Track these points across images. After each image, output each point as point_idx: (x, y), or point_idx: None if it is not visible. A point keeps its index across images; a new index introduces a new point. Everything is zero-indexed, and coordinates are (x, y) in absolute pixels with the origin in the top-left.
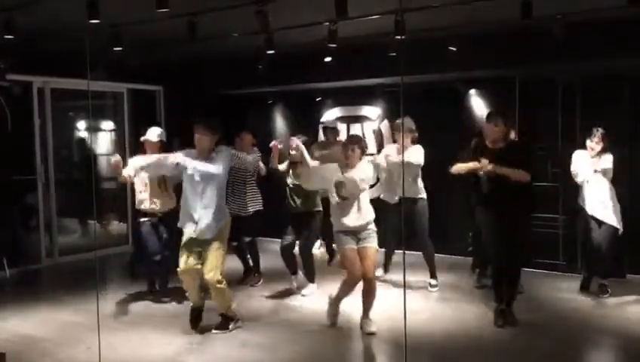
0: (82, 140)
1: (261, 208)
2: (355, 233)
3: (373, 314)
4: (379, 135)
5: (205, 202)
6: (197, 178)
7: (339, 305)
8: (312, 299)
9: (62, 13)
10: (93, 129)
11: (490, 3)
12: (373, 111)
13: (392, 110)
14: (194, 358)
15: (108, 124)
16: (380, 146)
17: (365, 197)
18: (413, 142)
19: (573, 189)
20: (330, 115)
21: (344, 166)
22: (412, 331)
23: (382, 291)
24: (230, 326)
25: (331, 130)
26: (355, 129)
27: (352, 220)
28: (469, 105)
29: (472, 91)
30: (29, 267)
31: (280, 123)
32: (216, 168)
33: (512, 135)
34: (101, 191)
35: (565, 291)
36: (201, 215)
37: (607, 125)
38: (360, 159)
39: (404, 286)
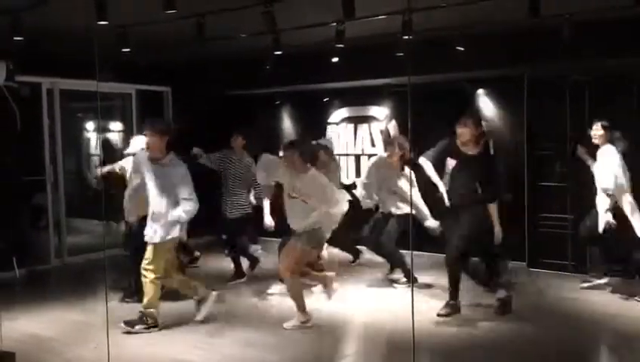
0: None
1: (247, 212)
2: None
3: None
4: (386, 135)
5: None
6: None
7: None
8: (320, 300)
9: (70, 14)
10: (102, 130)
11: (497, 2)
12: (380, 112)
13: (400, 110)
14: (199, 357)
15: (116, 125)
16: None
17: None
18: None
19: (581, 188)
20: (338, 115)
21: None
22: (417, 330)
23: (387, 291)
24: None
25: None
26: (363, 129)
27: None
28: (477, 105)
29: (480, 91)
30: (38, 267)
31: (287, 123)
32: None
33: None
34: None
35: (573, 291)
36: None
37: (616, 124)
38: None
39: (412, 286)
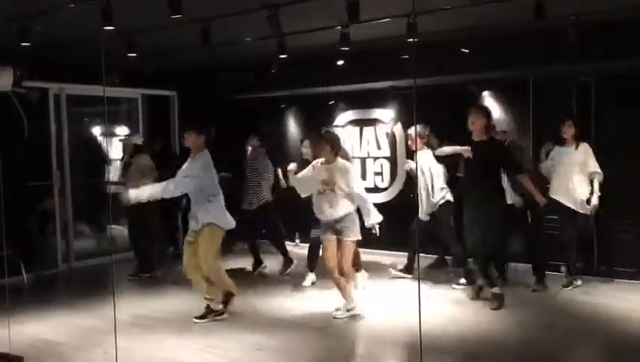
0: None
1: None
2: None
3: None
4: (392, 138)
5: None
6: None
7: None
8: (329, 302)
9: (77, 20)
10: (108, 134)
11: (502, 4)
12: (385, 114)
13: (405, 113)
14: (208, 361)
15: (122, 130)
16: (393, 149)
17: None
18: (427, 145)
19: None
20: (343, 118)
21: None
22: (427, 334)
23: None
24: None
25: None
26: (368, 132)
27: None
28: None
29: (486, 93)
30: (46, 272)
31: (293, 127)
32: (161, 189)
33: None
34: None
35: (580, 294)
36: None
37: (621, 126)
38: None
39: (419, 288)
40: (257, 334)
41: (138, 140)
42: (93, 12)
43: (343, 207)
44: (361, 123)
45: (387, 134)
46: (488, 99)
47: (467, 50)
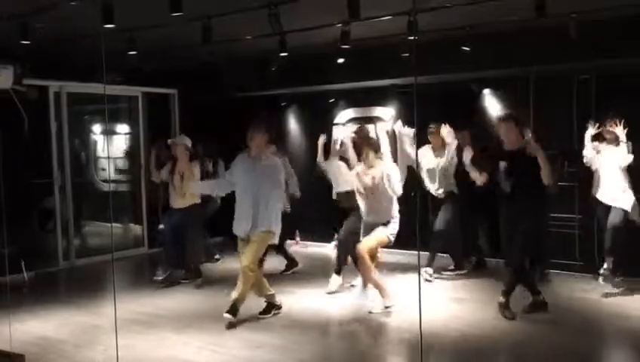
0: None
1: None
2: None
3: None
4: (392, 136)
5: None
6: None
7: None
8: (328, 300)
9: (77, 18)
10: (109, 132)
11: (503, 2)
12: (386, 112)
13: (405, 111)
14: (209, 359)
15: (123, 128)
16: (394, 147)
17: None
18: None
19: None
20: (344, 116)
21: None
22: (427, 332)
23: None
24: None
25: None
26: (369, 130)
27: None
28: (484, 105)
29: (486, 91)
30: (47, 269)
31: (294, 125)
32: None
33: (528, 135)
34: (118, 194)
35: (581, 291)
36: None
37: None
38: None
39: (419, 285)
40: (258, 332)
41: (188, 142)
42: (93, 10)
43: (390, 211)
44: (361, 121)
45: (387, 132)
46: (489, 97)
47: (468, 48)
